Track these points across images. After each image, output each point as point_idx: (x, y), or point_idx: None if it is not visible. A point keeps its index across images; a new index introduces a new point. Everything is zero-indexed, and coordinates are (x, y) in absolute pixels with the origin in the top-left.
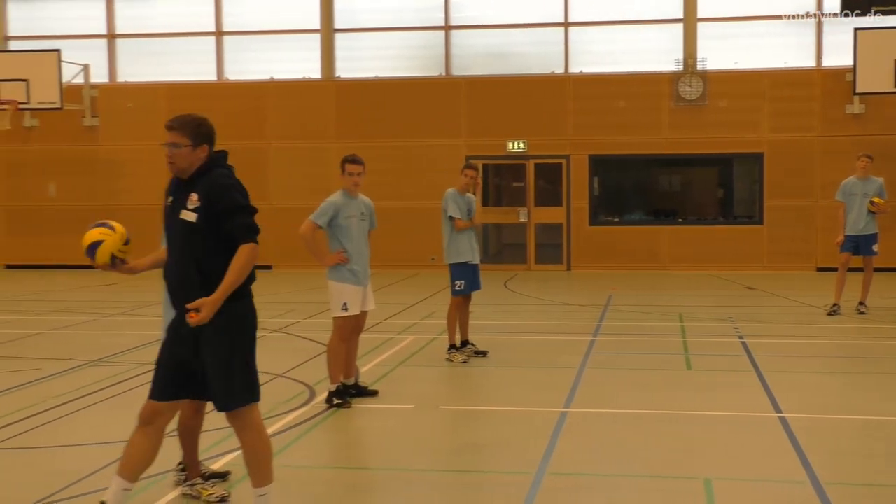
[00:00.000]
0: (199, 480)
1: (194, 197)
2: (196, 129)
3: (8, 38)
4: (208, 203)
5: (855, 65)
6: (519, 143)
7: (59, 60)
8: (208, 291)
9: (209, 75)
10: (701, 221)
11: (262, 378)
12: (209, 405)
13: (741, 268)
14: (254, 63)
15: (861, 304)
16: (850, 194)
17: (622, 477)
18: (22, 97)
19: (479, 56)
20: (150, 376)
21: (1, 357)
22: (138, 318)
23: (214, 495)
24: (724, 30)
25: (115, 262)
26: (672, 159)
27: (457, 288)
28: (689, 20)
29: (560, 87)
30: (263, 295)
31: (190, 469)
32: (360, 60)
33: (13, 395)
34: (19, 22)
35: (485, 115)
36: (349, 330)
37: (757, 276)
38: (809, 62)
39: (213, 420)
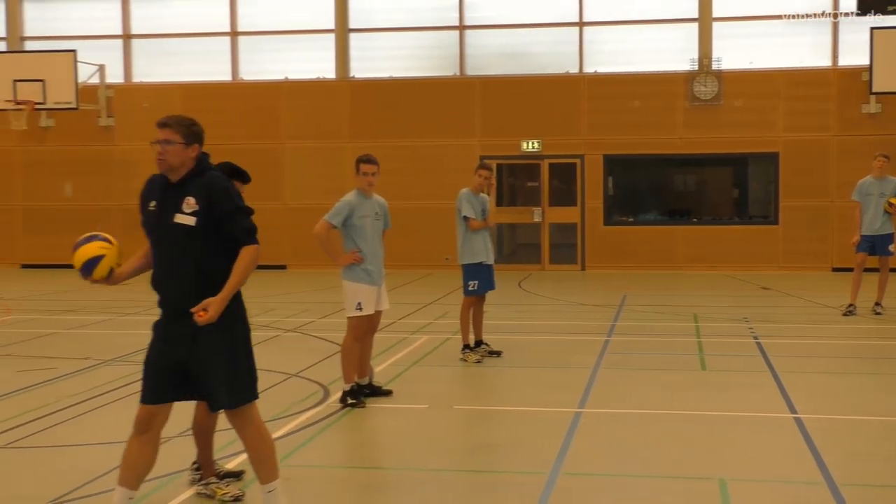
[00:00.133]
0: (213, 479)
1: (191, 201)
2: (188, 128)
3: (24, 39)
4: (209, 206)
5: (871, 64)
6: (533, 143)
7: (75, 61)
8: (209, 291)
9: (224, 75)
10: (716, 221)
11: (276, 378)
12: None
13: (756, 268)
14: (268, 63)
15: (877, 304)
16: (866, 194)
17: (636, 477)
18: (38, 97)
19: (493, 56)
20: None
21: (17, 356)
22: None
23: (229, 494)
24: (740, 29)
25: (111, 275)
26: (687, 159)
27: (470, 288)
28: (704, 19)
29: (574, 87)
30: (278, 294)
31: (204, 468)
32: (374, 60)
33: (28, 395)
34: (35, 22)
35: (499, 115)
36: (363, 330)
37: (772, 276)
38: (825, 61)
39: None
